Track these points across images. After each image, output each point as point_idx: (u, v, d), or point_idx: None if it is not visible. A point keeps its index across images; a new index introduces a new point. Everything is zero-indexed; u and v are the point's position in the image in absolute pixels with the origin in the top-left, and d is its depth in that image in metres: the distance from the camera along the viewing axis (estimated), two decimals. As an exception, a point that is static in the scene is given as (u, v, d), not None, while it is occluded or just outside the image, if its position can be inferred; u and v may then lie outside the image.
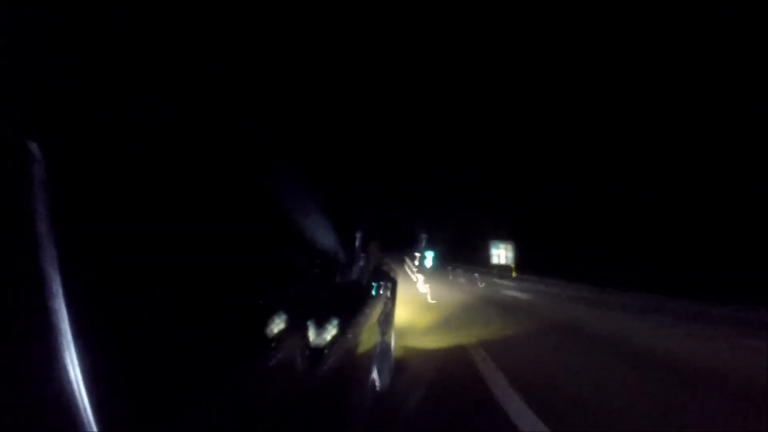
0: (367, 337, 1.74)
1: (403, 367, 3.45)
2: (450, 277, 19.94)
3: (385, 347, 2.58)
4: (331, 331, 1.06)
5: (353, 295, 1.72)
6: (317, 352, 0.94)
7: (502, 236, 27.45)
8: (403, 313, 5.46)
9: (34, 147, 0.35)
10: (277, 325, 0.78)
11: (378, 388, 2.40)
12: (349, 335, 1.32)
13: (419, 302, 8.06)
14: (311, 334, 0.94)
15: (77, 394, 0.32)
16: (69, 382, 0.32)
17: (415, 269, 18.11)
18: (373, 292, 2.15)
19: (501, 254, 27.71)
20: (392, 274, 3.15)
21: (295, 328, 0.87)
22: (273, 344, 0.74)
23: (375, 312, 2.03)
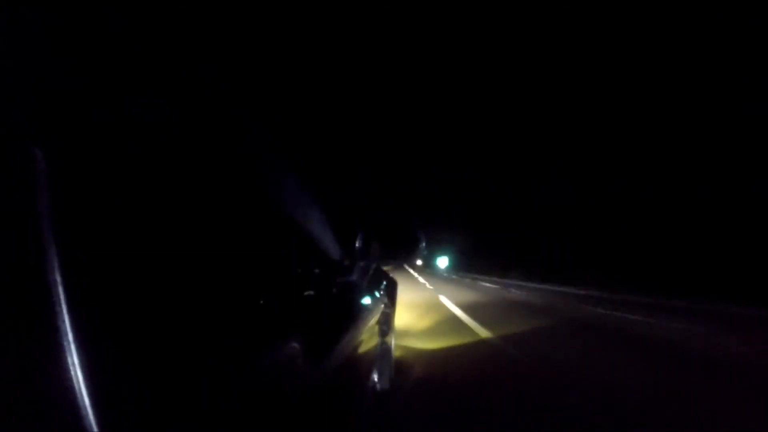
0: (368, 339, 1.74)
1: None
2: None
3: (385, 348, 2.58)
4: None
5: (354, 297, 1.72)
6: (318, 353, 0.94)
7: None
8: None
9: (36, 150, 0.35)
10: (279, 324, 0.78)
11: (378, 390, 2.40)
12: (350, 336, 1.32)
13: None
14: None
15: (77, 394, 0.32)
16: (69, 382, 0.32)
17: (413, 268, 17.93)
18: (374, 294, 2.15)
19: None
20: (392, 276, 3.15)
21: (296, 328, 0.87)
22: (273, 344, 0.74)
23: (375, 313, 2.03)
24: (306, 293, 1.16)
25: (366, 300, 1.91)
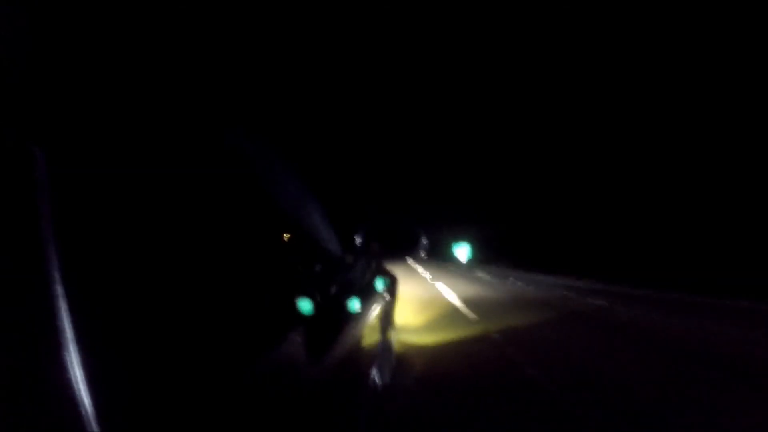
0: (369, 335, 1.74)
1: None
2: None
3: (386, 344, 2.59)
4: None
5: (354, 294, 1.73)
6: (319, 349, 0.94)
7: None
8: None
9: (37, 151, 0.35)
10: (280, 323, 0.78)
11: (378, 385, 2.41)
12: (350, 333, 1.32)
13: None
14: None
15: (77, 394, 0.32)
16: (69, 382, 0.32)
17: (416, 263, 17.03)
18: (375, 290, 2.15)
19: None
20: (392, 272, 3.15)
21: (297, 326, 0.87)
22: (274, 342, 0.74)
23: (376, 310, 2.03)
24: (308, 291, 1.16)
25: (366, 297, 1.92)
